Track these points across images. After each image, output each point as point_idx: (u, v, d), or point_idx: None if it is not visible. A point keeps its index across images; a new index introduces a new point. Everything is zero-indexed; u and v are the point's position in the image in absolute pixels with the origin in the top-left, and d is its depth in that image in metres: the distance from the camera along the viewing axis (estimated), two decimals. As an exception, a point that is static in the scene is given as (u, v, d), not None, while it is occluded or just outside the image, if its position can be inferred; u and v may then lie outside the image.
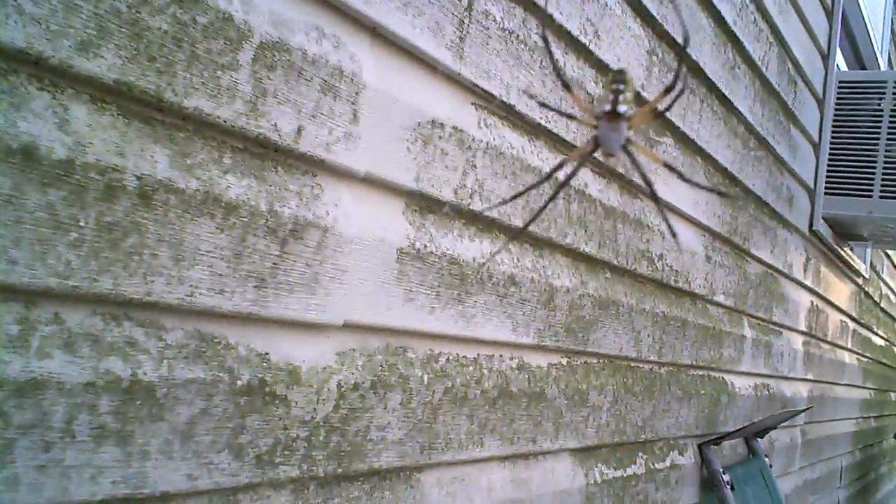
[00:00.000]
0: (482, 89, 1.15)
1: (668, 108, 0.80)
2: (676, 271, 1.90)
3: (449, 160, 1.11)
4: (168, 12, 0.73)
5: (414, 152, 1.04)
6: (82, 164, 0.68)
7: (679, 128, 1.83)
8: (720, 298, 2.21)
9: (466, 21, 1.11)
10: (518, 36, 1.23)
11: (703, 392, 2.13)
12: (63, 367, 0.68)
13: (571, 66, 1.40)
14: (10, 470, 0.65)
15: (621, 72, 0.81)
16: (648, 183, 0.81)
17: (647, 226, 1.74)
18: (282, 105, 0.85)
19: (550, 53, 0.81)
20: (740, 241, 2.32)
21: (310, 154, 0.89)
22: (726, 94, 2.08)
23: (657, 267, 1.80)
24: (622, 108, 0.79)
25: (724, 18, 1.99)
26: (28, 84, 0.65)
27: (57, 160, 0.66)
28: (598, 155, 0.81)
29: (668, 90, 0.76)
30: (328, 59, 0.90)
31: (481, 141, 1.16)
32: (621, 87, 0.80)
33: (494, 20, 1.17)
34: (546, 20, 1.27)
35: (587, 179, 1.48)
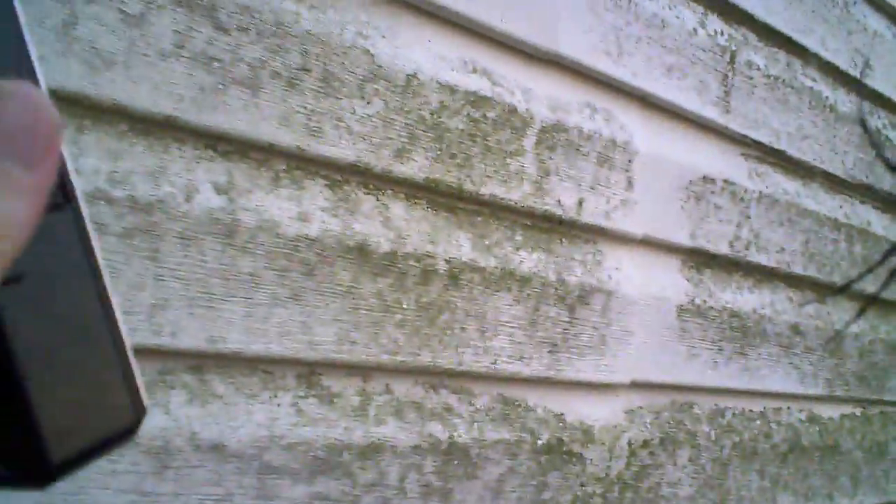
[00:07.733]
0: (751, 139, 1.15)
1: None
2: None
3: (722, 214, 1.11)
4: (463, 113, 0.82)
5: (687, 210, 1.06)
6: (403, 255, 0.78)
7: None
8: None
9: (730, 75, 1.12)
10: (783, 80, 1.21)
11: None
12: (395, 432, 0.78)
13: (841, 101, 1.34)
14: (358, 523, 0.75)
15: None
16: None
17: (943, 259, 1.59)
18: (563, 181, 0.91)
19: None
20: None
21: (591, 223, 0.94)
22: None
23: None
24: None
25: None
26: (358, 191, 0.76)
27: (383, 253, 0.76)
28: None
29: None
30: (601, 133, 0.96)
31: (753, 191, 1.15)
32: None
33: (758, 68, 1.16)
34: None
35: (870, 217, 1.40)
